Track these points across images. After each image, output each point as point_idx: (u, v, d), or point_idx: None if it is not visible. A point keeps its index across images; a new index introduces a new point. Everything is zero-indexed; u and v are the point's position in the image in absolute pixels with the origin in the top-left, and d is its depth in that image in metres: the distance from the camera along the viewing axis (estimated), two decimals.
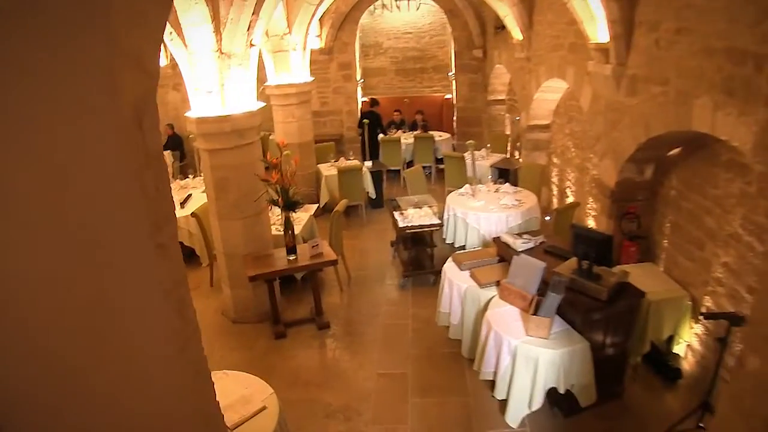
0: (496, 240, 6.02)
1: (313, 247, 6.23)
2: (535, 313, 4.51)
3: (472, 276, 5.55)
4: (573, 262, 4.99)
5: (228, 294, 6.70)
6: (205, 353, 5.72)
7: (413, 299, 7.04)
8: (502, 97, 13.23)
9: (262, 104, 6.32)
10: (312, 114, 10.96)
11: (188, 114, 6.01)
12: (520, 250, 5.53)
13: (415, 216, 7.26)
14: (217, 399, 3.74)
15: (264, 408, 3.63)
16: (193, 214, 7.48)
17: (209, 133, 5.94)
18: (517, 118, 11.42)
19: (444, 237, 7.92)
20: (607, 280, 4.71)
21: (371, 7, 14.42)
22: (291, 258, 6.18)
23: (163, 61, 14.14)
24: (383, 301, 7.05)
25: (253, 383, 3.93)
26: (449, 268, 5.85)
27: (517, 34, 9.52)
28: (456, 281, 5.57)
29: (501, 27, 11.27)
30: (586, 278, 4.75)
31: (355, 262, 8.17)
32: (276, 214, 7.06)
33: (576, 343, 4.48)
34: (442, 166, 11.35)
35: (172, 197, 2.25)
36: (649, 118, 5.14)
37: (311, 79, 10.10)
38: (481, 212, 7.44)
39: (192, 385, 2.45)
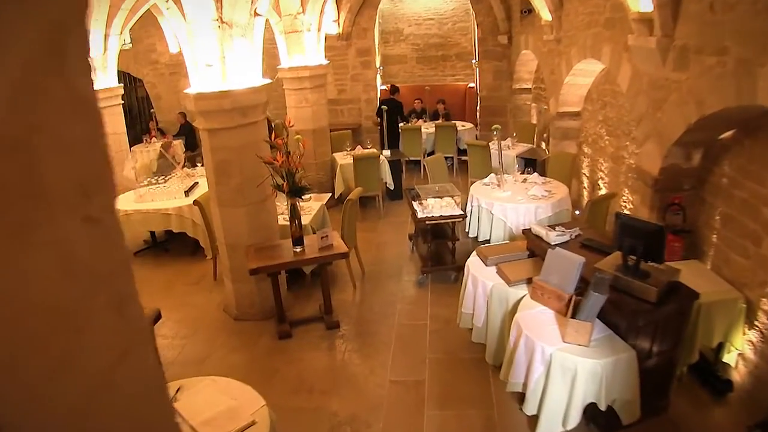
0: (527, 232, 5.39)
1: (322, 238, 5.66)
2: (573, 316, 3.90)
3: (500, 272, 4.94)
4: (616, 257, 4.36)
5: (230, 289, 6.17)
6: (203, 353, 5.20)
7: (432, 298, 6.43)
8: (528, 85, 12.64)
9: (268, 81, 5.77)
10: (329, 102, 10.45)
11: (187, 91, 5.50)
12: (553, 243, 4.90)
13: (435, 206, 6.66)
14: (200, 411, 3.22)
15: (253, 423, 3.07)
16: (195, 202, 6.98)
17: (208, 111, 5.41)
18: (545, 107, 10.84)
19: (467, 230, 7.32)
20: (657, 279, 4.08)
21: None
22: (297, 250, 5.62)
23: (176, 48, 13.74)
24: (399, 299, 6.46)
25: (243, 393, 3.38)
26: (473, 263, 5.24)
27: (545, 14, 8.90)
28: (481, 278, 4.96)
29: (528, 11, 10.73)
30: (633, 276, 4.11)
31: (370, 256, 7.61)
32: (285, 201, 6.50)
33: (620, 351, 3.86)
34: (464, 158, 10.76)
35: (110, 157, 1.69)
36: (702, 93, 4.52)
37: (326, 62, 9.55)
38: (508, 203, 6.83)
39: (139, 400, 1.89)
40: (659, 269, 4.21)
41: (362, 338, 5.72)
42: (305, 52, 9.03)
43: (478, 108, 13.82)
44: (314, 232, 6.27)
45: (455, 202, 6.81)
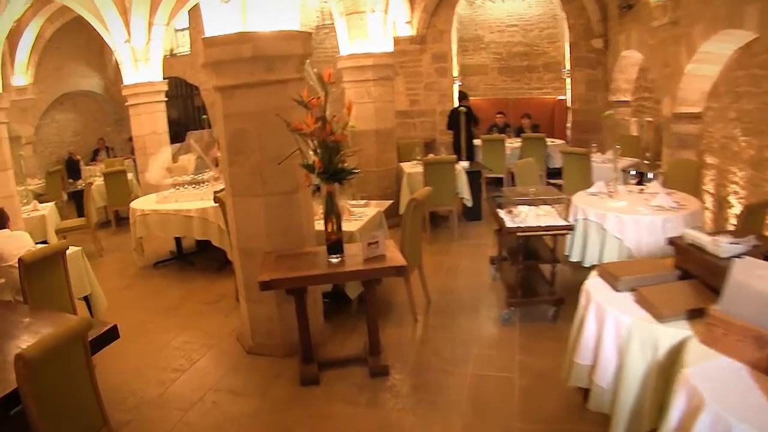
0: (676, 242, 3.51)
1: (369, 245, 3.99)
2: None
3: (641, 301, 3.11)
4: None
5: (245, 311, 4.59)
6: (196, 394, 3.35)
7: (522, 341, 4.61)
8: (627, 98, 10.89)
9: (309, 32, 4.28)
10: (398, 114, 8.96)
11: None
12: (724, 256, 3.08)
13: (530, 215, 4.92)
14: None
15: None
16: (216, 199, 5.54)
17: (221, 61, 3.98)
18: (648, 119, 9.31)
19: (566, 253, 5.51)
20: None
21: None
22: (333, 260, 3.99)
23: None
24: (475, 341, 4.68)
25: None
26: (596, 287, 3.42)
27: None
28: (610, 309, 3.15)
29: (628, 6, 9.20)
30: None
31: (438, 282, 5.92)
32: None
33: None
34: (553, 182, 8.93)
35: None
36: None
37: (392, 50, 8.09)
38: (626, 215, 5.01)
39: None
40: None
41: (420, 393, 3.94)
42: (368, 36, 7.60)
43: (568, 124, 12.09)
44: None
45: (557, 211, 5.04)
